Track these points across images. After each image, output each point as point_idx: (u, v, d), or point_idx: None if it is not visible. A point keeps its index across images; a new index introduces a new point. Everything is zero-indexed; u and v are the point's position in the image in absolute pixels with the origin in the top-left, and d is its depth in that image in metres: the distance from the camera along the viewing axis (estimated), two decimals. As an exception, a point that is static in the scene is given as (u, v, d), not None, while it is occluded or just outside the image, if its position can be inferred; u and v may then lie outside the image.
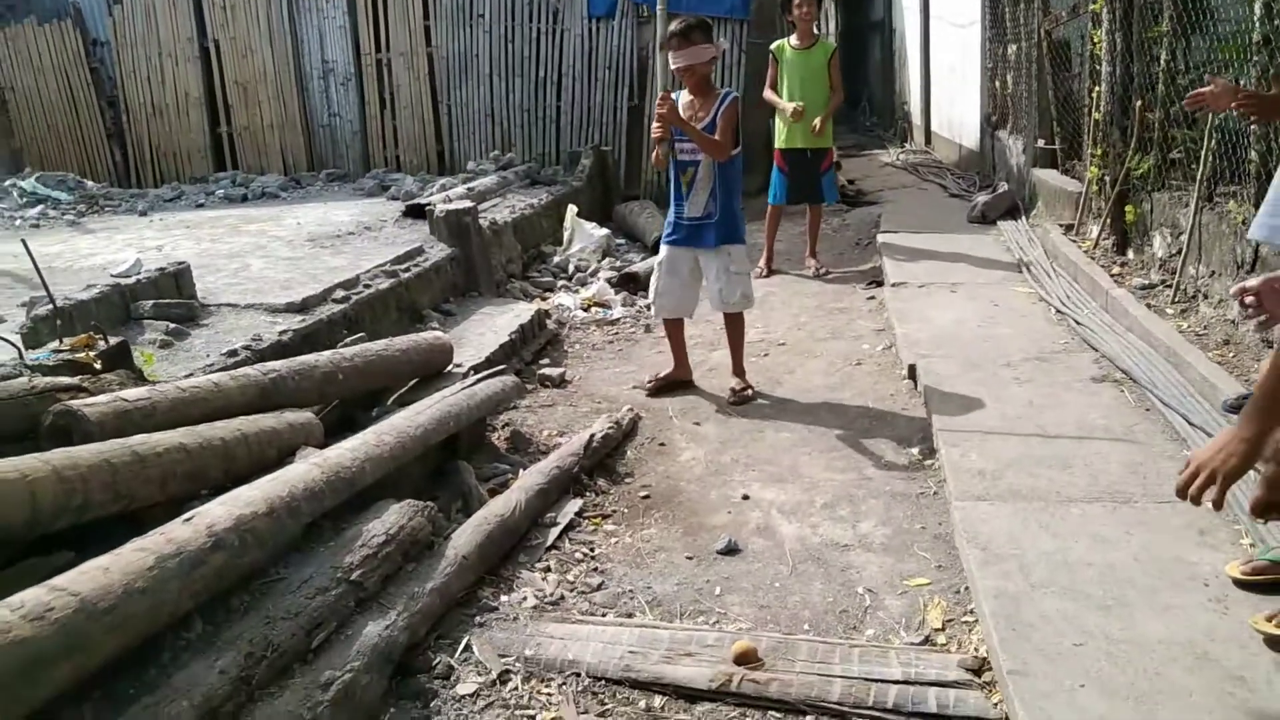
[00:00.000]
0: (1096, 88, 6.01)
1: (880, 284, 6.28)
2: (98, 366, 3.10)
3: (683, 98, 4.39)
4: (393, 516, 2.95)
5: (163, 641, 2.28)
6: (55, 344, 3.23)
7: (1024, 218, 7.27)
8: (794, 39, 6.64)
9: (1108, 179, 5.82)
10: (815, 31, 6.69)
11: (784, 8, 6.77)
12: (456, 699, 2.59)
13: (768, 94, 6.68)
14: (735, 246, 4.52)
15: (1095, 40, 6.00)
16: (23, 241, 3.84)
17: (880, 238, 7.16)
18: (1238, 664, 2.33)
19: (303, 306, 4.57)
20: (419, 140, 10.28)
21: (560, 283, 6.61)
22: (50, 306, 3.61)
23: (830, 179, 6.89)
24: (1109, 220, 5.78)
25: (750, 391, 4.63)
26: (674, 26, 4.21)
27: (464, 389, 3.93)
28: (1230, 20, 4.61)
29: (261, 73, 10.47)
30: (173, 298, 4.37)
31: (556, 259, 7.02)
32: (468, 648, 2.77)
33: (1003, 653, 2.44)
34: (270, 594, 2.52)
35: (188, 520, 2.39)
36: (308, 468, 2.86)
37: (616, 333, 5.87)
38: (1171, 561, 2.79)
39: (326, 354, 3.81)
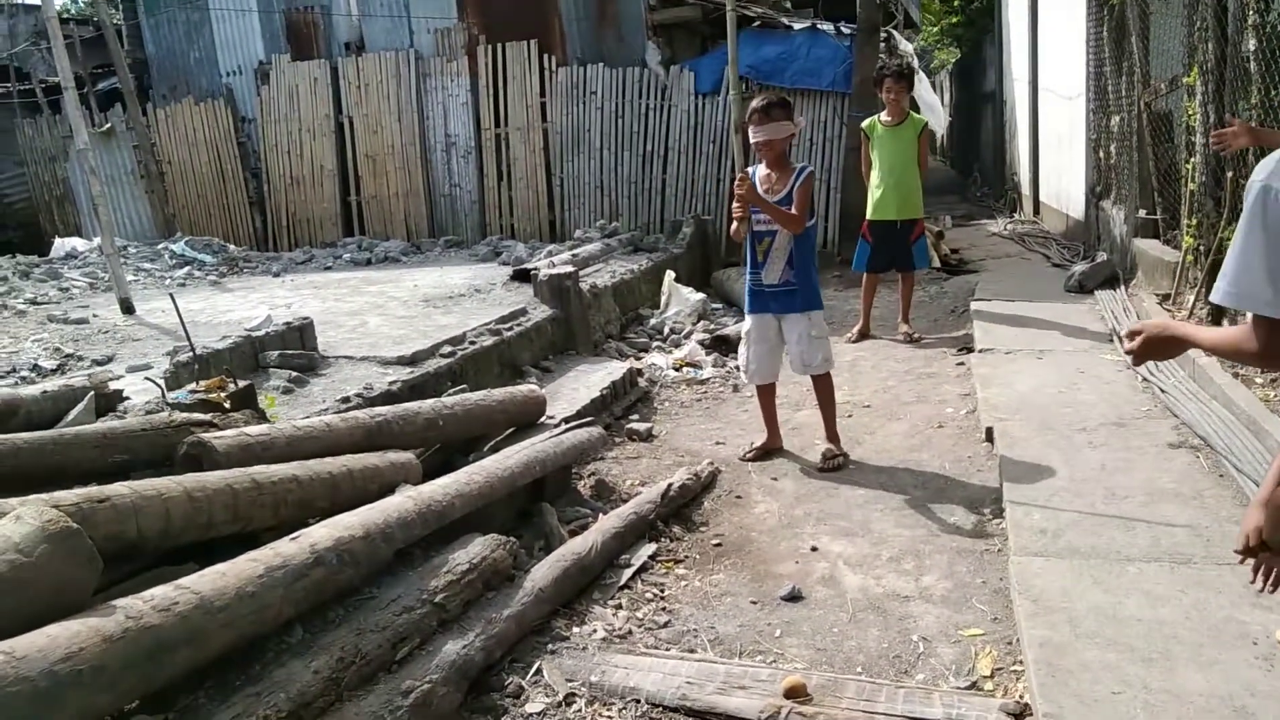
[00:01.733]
0: (1191, 159, 6.03)
1: (971, 350, 6.35)
2: (227, 406, 3.50)
3: (760, 171, 4.60)
4: (477, 547, 3.23)
5: (267, 643, 2.59)
6: (192, 385, 3.65)
7: (1122, 287, 7.23)
8: (884, 115, 6.89)
9: (1203, 249, 5.80)
10: (904, 109, 6.91)
11: (876, 85, 7.03)
12: (525, 716, 2.81)
13: (865, 171, 6.97)
14: (815, 312, 4.68)
15: (1189, 113, 6.03)
16: (170, 297, 4.35)
17: (974, 304, 7.23)
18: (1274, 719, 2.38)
19: (412, 360, 4.96)
20: (532, 209, 10.83)
21: (655, 343, 6.90)
22: (190, 354, 4.06)
23: (921, 247, 7.04)
24: (1204, 290, 5.74)
25: (842, 459, 4.66)
26: (756, 103, 4.47)
27: (552, 437, 4.22)
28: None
29: (390, 146, 11.25)
30: (296, 349, 4.82)
31: (653, 321, 7.32)
32: (538, 671, 3.01)
33: (1041, 697, 2.54)
34: (362, 609, 2.82)
35: (294, 539, 2.72)
36: (402, 499, 3.17)
37: (705, 391, 6.09)
38: (1222, 620, 2.83)
39: (429, 402, 4.16)
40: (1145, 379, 5.08)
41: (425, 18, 10.89)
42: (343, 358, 5.05)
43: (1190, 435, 4.23)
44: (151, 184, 11.58)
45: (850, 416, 5.42)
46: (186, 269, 9.20)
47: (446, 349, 5.15)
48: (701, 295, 7.59)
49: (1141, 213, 7.54)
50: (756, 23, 9.93)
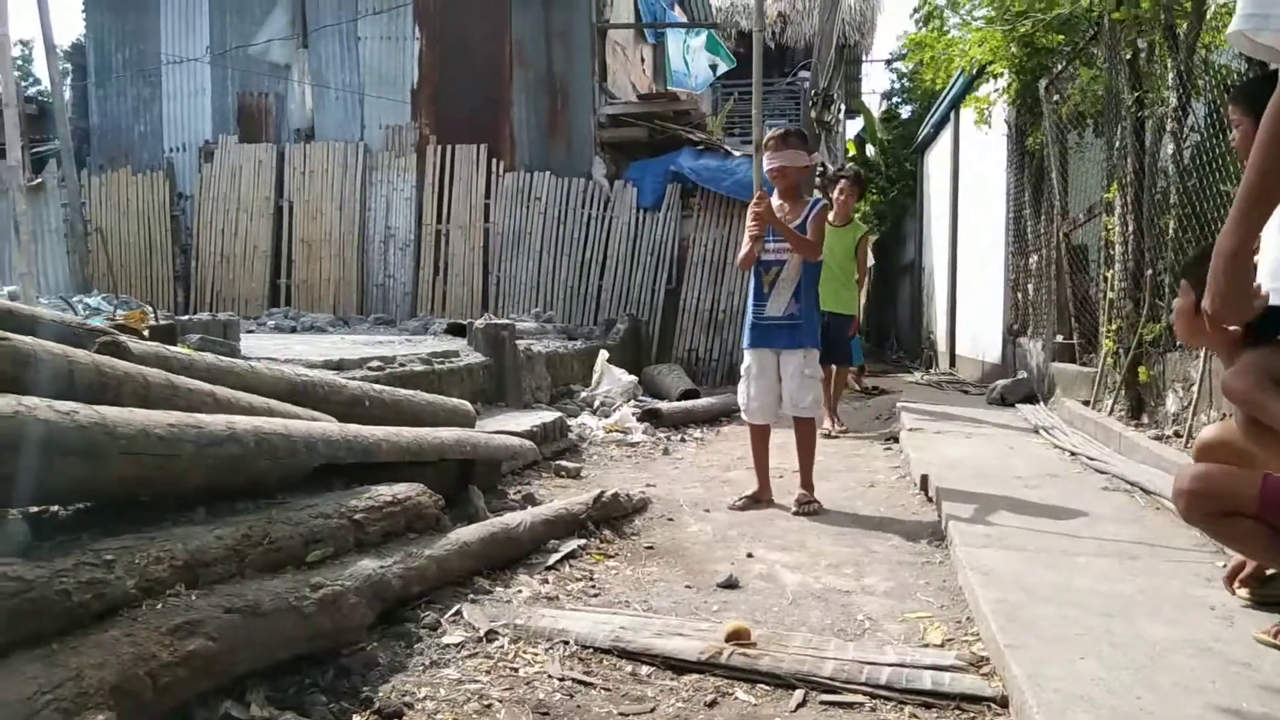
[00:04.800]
0: (1110, 271, 6.33)
1: (897, 440, 6.36)
2: (145, 334, 3.27)
3: (773, 201, 4.39)
4: (402, 487, 3.01)
5: (166, 515, 2.32)
6: (108, 313, 3.41)
7: (1042, 403, 7.41)
8: (831, 216, 7.10)
9: (1122, 350, 6.01)
10: (850, 213, 7.15)
11: (830, 186, 7.32)
12: (441, 646, 2.55)
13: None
14: (813, 350, 4.48)
15: (1109, 227, 6.37)
16: (96, 304, 4.12)
17: (900, 404, 7.33)
18: (1244, 656, 2.28)
19: (339, 366, 4.76)
20: (466, 305, 10.77)
21: (585, 411, 6.77)
22: (112, 307, 3.81)
23: (856, 343, 7.14)
24: (1123, 389, 5.92)
25: (817, 505, 4.40)
26: (773, 131, 4.43)
27: (483, 432, 4.03)
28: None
29: (327, 233, 11.20)
30: (219, 337, 4.58)
31: (583, 395, 7.21)
32: (458, 613, 2.75)
33: (1002, 636, 2.40)
34: (274, 509, 2.56)
35: (213, 415, 2.49)
36: (328, 423, 2.96)
37: (635, 451, 5.95)
38: (1178, 594, 2.75)
39: (357, 382, 3.95)
40: (1073, 453, 5.13)
41: (379, 114, 11.11)
42: (265, 359, 4.80)
43: (1123, 485, 4.24)
44: (76, 244, 11.21)
45: (781, 478, 5.30)
46: (100, 318, 8.80)
47: (375, 363, 4.96)
48: (634, 378, 7.53)
49: (1059, 338, 7.84)
50: (700, 145, 10.37)
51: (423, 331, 8.62)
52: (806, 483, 4.54)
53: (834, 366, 7.07)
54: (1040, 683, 2.08)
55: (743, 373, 4.61)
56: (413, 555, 2.75)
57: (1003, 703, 2.25)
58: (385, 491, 2.89)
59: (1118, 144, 6.23)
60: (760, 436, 4.60)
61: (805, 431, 4.54)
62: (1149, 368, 5.64)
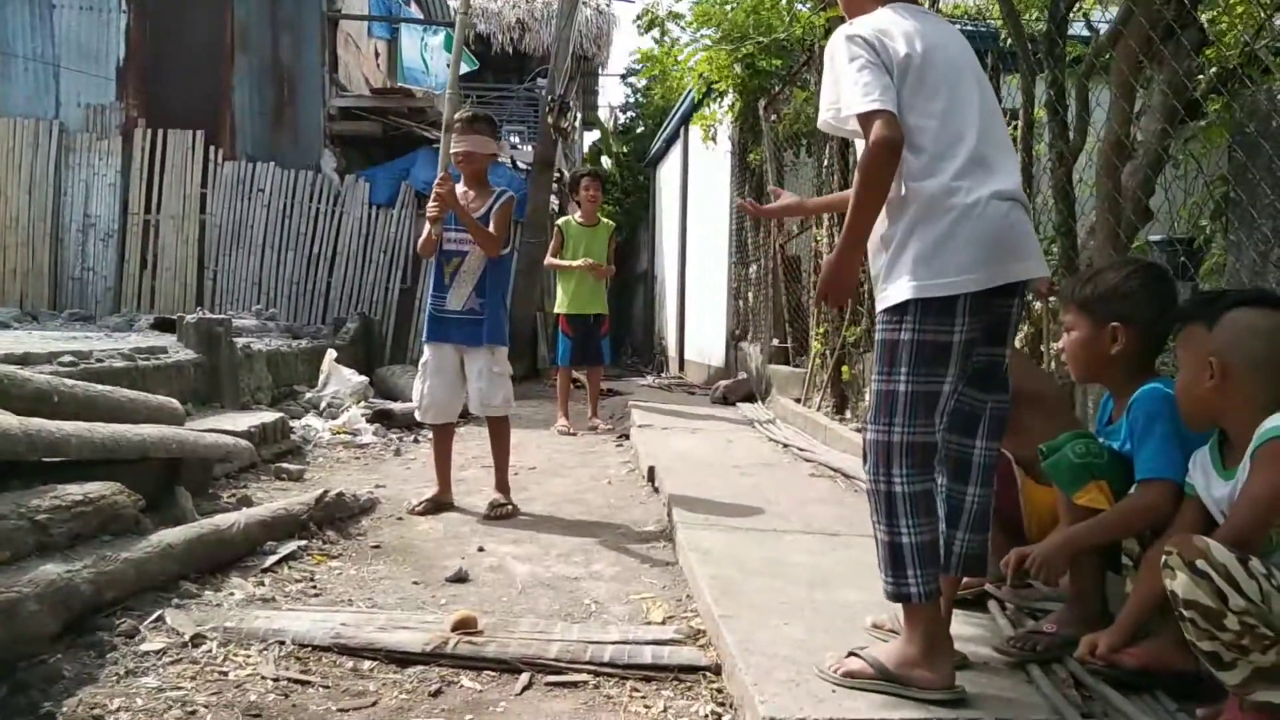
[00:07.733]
0: (816, 277, 6.87)
1: (629, 437, 6.56)
2: None
3: (457, 188, 4.18)
4: (95, 486, 2.76)
5: None
6: None
7: (760, 401, 7.91)
8: (579, 216, 7.19)
9: (828, 352, 6.53)
10: (597, 212, 7.26)
11: (572, 189, 7.43)
12: (139, 654, 2.37)
13: (550, 260, 7.12)
14: (500, 347, 4.34)
15: (818, 238, 6.91)
16: None
17: (631, 403, 7.57)
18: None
19: (23, 360, 4.25)
20: (179, 302, 9.96)
21: (310, 413, 6.47)
22: None
23: (607, 343, 7.32)
24: (829, 386, 6.44)
25: (511, 508, 4.27)
26: (460, 113, 4.20)
27: (191, 430, 3.76)
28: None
29: (13, 219, 10.01)
30: None
31: (309, 395, 6.89)
32: (160, 618, 2.56)
33: (716, 608, 2.54)
34: (-65, 510, 2.27)
35: None
36: (5, 416, 2.65)
37: (364, 453, 5.76)
38: (871, 565, 2.98)
39: (45, 376, 3.56)
40: (785, 445, 5.52)
41: (79, 91, 10.09)
42: (-71, 351, 4.22)
43: (828, 472, 4.62)
44: None
45: (516, 475, 5.28)
46: None
47: (68, 358, 4.49)
48: (365, 378, 7.28)
49: (775, 342, 8.40)
50: (437, 144, 10.20)
51: (126, 328, 7.90)
52: (502, 485, 4.39)
53: (586, 369, 7.25)
54: (750, 648, 2.22)
55: (419, 368, 4.38)
56: (107, 559, 2.52)
57: (717, 670, 2.39)
58: (75, 490, 2.63)
59: (825, 163, 6.78)
60: (442, 437, 4.38)
61: (499, 430, 4.40)
62: (851, 367, 6.17)
